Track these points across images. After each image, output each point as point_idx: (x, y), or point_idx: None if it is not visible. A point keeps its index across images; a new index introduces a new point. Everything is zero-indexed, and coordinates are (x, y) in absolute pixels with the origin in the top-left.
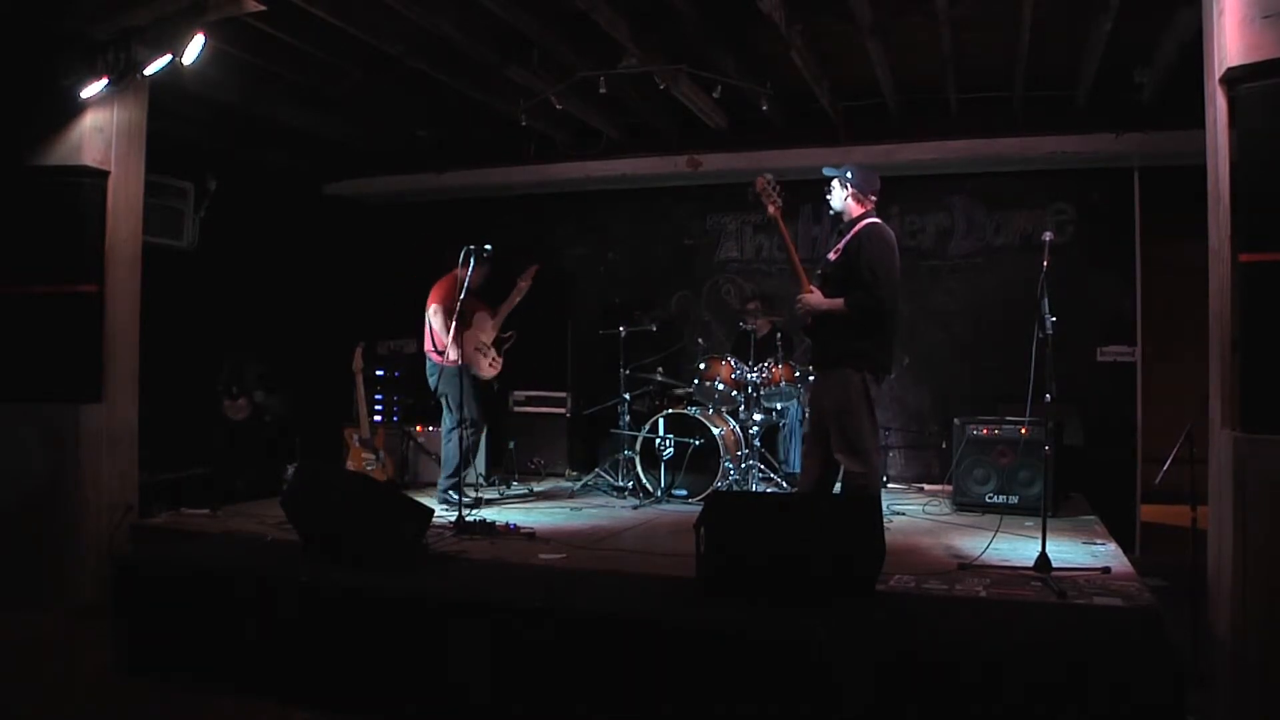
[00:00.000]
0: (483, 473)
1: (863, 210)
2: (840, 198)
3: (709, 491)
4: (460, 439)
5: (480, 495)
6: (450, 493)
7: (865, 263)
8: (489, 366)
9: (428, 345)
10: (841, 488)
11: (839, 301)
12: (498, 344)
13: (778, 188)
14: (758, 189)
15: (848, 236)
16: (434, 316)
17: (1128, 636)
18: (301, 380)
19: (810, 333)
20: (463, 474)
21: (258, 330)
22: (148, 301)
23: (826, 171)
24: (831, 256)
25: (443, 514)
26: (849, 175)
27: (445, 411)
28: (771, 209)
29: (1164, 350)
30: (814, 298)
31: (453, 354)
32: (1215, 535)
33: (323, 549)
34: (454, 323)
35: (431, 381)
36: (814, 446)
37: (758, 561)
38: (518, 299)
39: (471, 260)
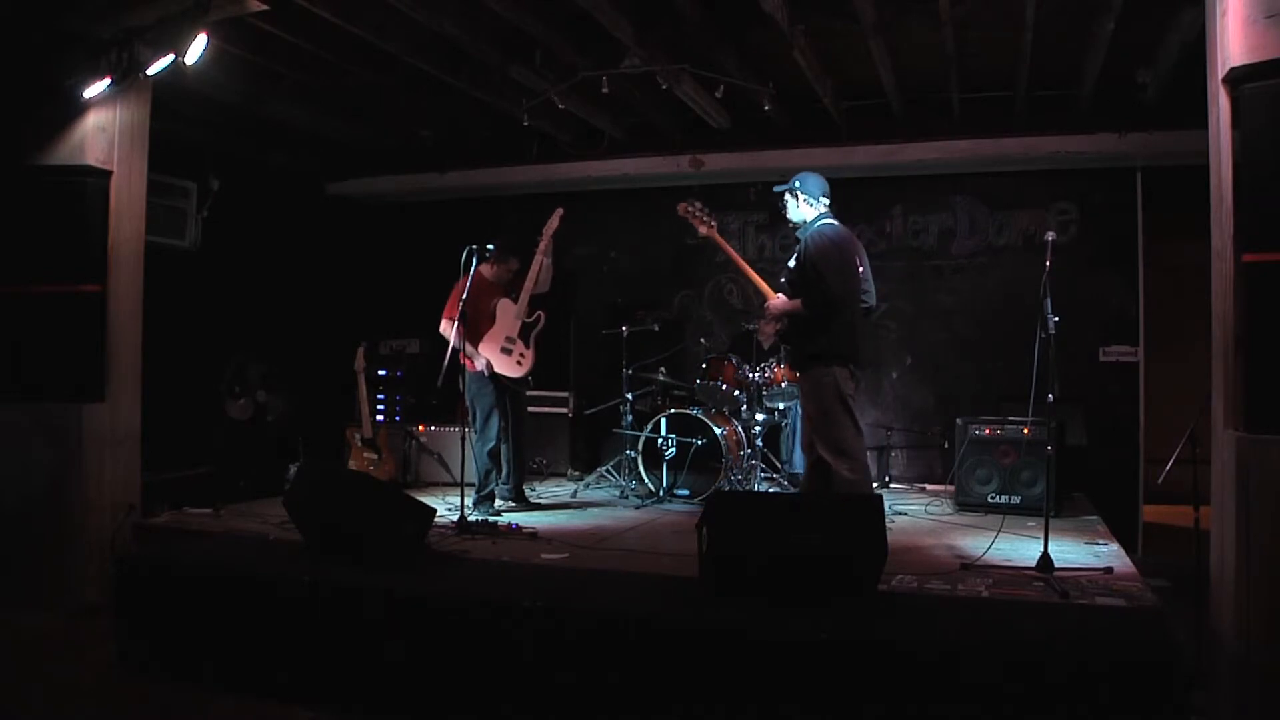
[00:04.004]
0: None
1: (815, 214)
2: (794, 207)
3: (711, 491)
4: (479, 456)
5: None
6: (494, 502)
7: (809, 262)
8: (516, 364)
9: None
10: (833, 488)
11: (797, 302)
12: (525, 332)
13: (704, 209)
14: (680, 214)
15: (803, 242)
16: (446, 331)
17: (1130, 637)
18: (304, 380)
19: (785, 340)
20: (491, 484)
21: (260, 330)
22: (150, 301)
23: (777, 189)
24: (791, 264)
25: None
26: (798, 184)
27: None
28: (703, 230)
29: (1166, 350)
30: (777, 301)
31: (479, 362)
32: (1218, 535)
33: (325, 548)
34: (458, 326)
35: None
36: (809, 448)
37: (760, 561)
38: (544, 259)
39: (474, 261)
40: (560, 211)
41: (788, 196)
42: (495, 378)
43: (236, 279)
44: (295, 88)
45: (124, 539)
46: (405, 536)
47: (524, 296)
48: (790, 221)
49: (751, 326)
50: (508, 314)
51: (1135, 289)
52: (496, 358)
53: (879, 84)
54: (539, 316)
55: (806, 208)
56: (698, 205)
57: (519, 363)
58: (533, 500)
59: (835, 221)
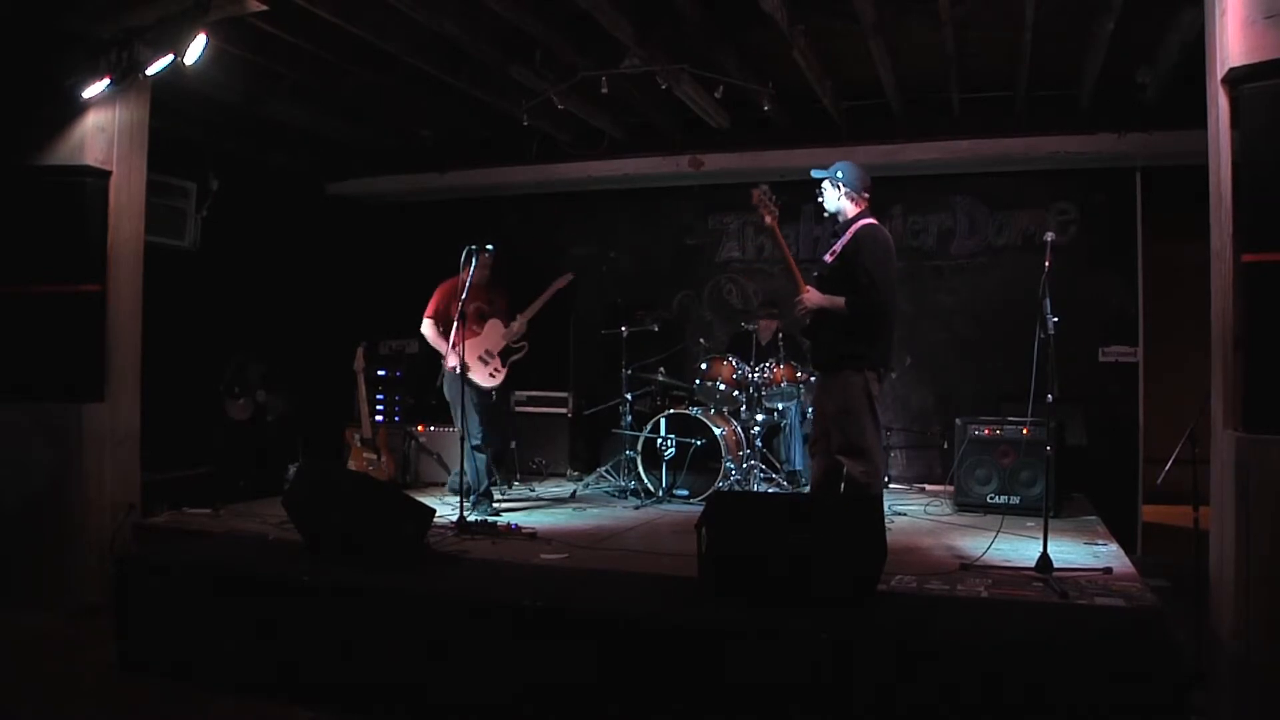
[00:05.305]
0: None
1: (858, 210)
2: (834, 198)
3: (710, 492)
4: (470, 457)
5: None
6: (492, 501)
7: (862, 267)
8: (489, 375)
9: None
10: (845, 487)
11: (840, 300)
12: (505, 353)
13: (774, 198)
14: (754, 200)
15: (844, 238)
16: (425, 330)
17: (1129, 637)
18: (303, 380)
19: (809, 335)
20: (484, 480)
21: (260, 330)
22: (150, 301)
23: (816, 174)
24: (828, 258)
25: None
26: (840, 175)
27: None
28: (769, 219)
29: (1166, 350)
30: (813, 295)
31: (451, 360)
32: (1217, 536)
33: (324, 548)
34: (455, 324)
35: (444, 389)
36: (817, 447)
37: (759, 562)
38: (538, 307)
39: (474, 260)
40: (570, 276)
41: (826, 185)
42: (466, 380)
43: (236, 279)
44: (295, 88)
45: (124, 539)
46: (405, 536)
47: (517, 327)
48: (825, 211)
49: (751, 326)
50: (495, 331)
51: (1135, 289)
52: (473, 363)
53: (879, 84)
54: (524, 348)
55: (849, 203)
56: (770, 194)
57: (492, 375)
58: (502, 505)
59: (876, 220)
